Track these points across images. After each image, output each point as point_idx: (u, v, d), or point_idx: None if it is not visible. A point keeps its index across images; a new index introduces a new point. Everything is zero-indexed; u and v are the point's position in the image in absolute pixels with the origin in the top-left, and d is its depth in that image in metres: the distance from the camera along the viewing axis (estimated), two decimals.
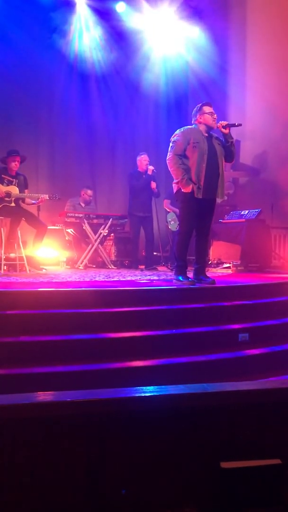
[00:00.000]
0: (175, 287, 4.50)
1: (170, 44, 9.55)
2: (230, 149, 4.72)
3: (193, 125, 4.68)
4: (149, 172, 7.06)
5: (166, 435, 1.37)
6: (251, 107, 8.66)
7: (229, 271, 6.80)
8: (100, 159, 9.34)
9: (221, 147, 4.68)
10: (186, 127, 4.69)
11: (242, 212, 7.38)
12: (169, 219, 7.67)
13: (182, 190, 4.52)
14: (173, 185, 4.72)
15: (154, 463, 1.36)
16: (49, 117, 8.64)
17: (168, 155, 4.62)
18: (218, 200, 4.82)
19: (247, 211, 7.34)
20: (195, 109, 4.70)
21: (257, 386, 1.67)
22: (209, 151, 4.54)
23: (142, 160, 7.23)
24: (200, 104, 4.67)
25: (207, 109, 4.61)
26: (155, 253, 7.49)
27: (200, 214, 4.64)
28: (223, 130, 4.62)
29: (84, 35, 8.85)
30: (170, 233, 7.76)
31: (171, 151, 4.57)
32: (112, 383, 3.13)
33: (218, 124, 4.62)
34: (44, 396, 1.39)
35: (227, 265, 7.00)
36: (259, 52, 8.54)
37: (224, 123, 4.62)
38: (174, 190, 4.72)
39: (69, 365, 3.26)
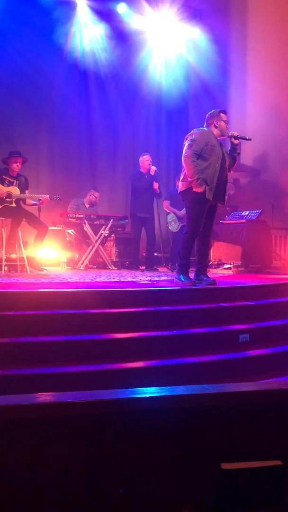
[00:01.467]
0: (176, 288, 4.50)
1: (171, 45, 9.56)
2: (234, 159, 4.80)
3: (207, 128, 4.71)
4: (152, 173, 7.06)
5: (167, 436, 1.37)
6: (252, 108, 8.66)
7: (230, 272, 6.80)
8: (101, 159, 9.34)
9: (228, 155, 4.75)
10: (202, 128, 4.72)
11: (243, 213, 7.38)
12: (169, 220, 7.68)
13: (194, 189, 4.52)
14: (180, 183, 4.73)
15: (154, 464, 1.35)
16: (49, 118, 8.64)
17: (185, 152, 4.59)
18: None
19: (247, 212, 7.34)
20: (211, 113, 4.73)
21: (258, 387, 1.67)
22: (222, 157, 4.62)
23: (145, 161, 7.23)
24: (218, 110, 4.73)
25: (224, 116, 4.69)
26: (155, 254, 7.48)
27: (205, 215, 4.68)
28: (234, 140, 4.70)
29: (85, 36, 8.86)
30: (171, 234, 7.76)
31: (189, 149, 4.55)
32: (113, 384, 3.13)
33: (230, 133, 4.69)
34: (44, 397, 1.39)
35: (228, 266, 7.01)
36: (260, 52, 8.55)
37: (235, 133, 4.70)
38: (181, 189, 4.71)
39: (70, 366, 3.26)
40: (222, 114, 4.69)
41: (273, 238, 7.56)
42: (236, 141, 4.72)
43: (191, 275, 4.76)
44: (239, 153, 4.83)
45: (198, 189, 4.49)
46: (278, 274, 6.57)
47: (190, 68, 9.82)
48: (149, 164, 7.16)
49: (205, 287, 4.55)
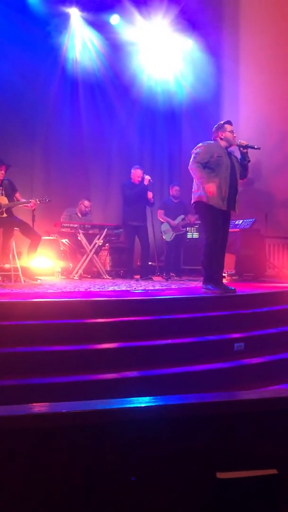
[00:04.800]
0: (169, 297, 4.51)
1: (164, 55, 9.64)
2: (246, 167, 4.87)
3: (213, 141, 4.80)
4: (145, 182, 7.09)
5: (162, 445, 1.36)
6: (244, 117, 8.73)
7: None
8: (95, 169, 9.37)
9: (238, 164, 4.82)
10: (208, 141, 4.82)
11: (236, 222, 7.41)
12: (163, 229, 7.69)
13: (206, 190, 4.54)
14: (193, 195, 4.79)
15: (150, 474, 1.35)
16: (44, 128, 8.65)
17: (190, 165, 4.69)
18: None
19: (241, 221, 7.37)
20: (216, 125, 4.84)
21: (255, 395, 1.67)
22: (231, 166, 4.69)
23: (135, 174, 7.25)
24: (223, 122, 4.83)
25: (228, 127, 4.78)
26: (150, 263, 7.49)
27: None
28: (242, 150, 4.78)
29: (79, 47, 8.91)
30: (165, 243, 7.77)
31: (194, 161, 4.66)
32: (108, 393, 3.11)
33: (238, 142, 4.78)
34: (39, 407, 1.38)
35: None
36: (252, 62, 8.64)
37: (243, 143, 4.77)
38: (193, 200, 4.79)
39: (65, 376, 3.24)
40: (226, 125, 4.79)
41: (266, 246, 7.60)
42: (244, 150, 4.80)
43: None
44: (249, 161, 4.86)
45: (210, 190, 4.51)
46: (272, 282, 6.59)
47: (183, 79, 9.91)
48: (140, 177, 7.19)
49: (203, 295, 4.59)
